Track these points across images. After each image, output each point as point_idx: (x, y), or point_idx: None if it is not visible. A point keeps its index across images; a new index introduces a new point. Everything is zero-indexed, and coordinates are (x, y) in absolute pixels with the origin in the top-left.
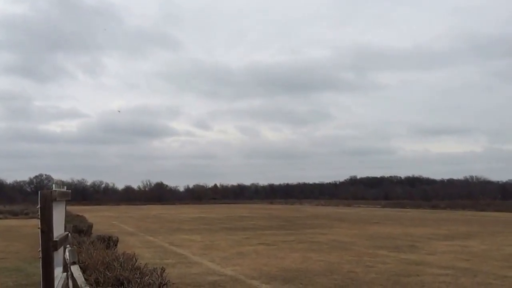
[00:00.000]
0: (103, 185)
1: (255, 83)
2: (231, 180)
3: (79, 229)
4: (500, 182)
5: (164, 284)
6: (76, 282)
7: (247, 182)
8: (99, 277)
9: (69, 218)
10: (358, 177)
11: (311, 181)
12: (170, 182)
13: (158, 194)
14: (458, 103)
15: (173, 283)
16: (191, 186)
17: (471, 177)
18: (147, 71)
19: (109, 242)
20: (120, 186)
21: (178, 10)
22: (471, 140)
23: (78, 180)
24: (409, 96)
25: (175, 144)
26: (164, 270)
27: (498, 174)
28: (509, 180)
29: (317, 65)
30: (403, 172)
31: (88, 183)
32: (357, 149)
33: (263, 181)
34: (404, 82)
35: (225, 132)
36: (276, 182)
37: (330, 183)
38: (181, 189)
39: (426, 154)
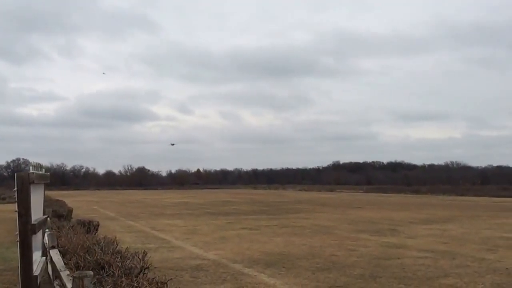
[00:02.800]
0: (83, 169)
1: (237, 68)
2: (214, 165)
3: (58, 213)
4: (479, 168)
5: (146, 268)
6: (56, 266)
7: (230, 167)
8: (79, 261)
9: (48, 203)
10: (341, 162)
11: (294, 166)
12: (152, 167)
13: (140, 179)
14: (437, 89)
15: (155, 267)
16: (173, 171)
17: (452, 162)
18: (126, 53)
19: (90, 226)
20: (100, 170)
21: None
22: (451, 126)
23: (58, 165)
24: (389, 82)
25: (157, 129)
26: (146, 254)
27: (478, 159)
28: (488, 165)
29: (298, 49)
30: (385, 157)
31: (68, 168)
32: (339, 135)
33: (246, 166)
34: (384, 68)
35: (207, 117)
36: (259, 167)
37: (313, 168)
38: (164, 174)
39: (407, 139)
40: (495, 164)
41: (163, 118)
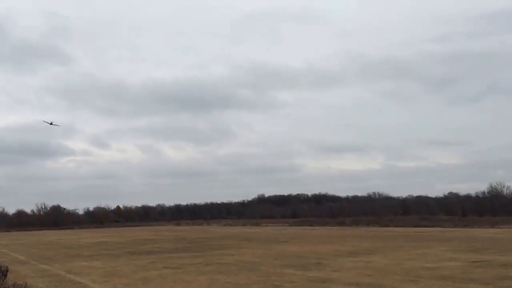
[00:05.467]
0: None
1: (154, 100)
2: (134, 202)
3: None
4: (400, 198)
5: None
6: None
7: (152, 203)
8: None
9: None
10: (265, 195)
11: (218, 201)
12: (68, 205)
13: (54, 218)
14: (353, 122)
15: None
16: (91, 208)
17: (374, 193)
18: (37, 86)
19: None
20: (11, 210)
21: (66, 22)
22: (369, 157)
23: None
24: (307, 114)
25: (72, 164)
26: None
27: (398, 190)
28: (408, 195)
29: (217, 82)
30: (309, 189)
31: None
32: (262, 167)
33: (168, 202)
34: (301, 101)
35: (125, 151)
36: (182, 202)
37: (238, 202)
38: (81, 212)
39: (328, 171)
40: (415, 194)
41: (78, 153)
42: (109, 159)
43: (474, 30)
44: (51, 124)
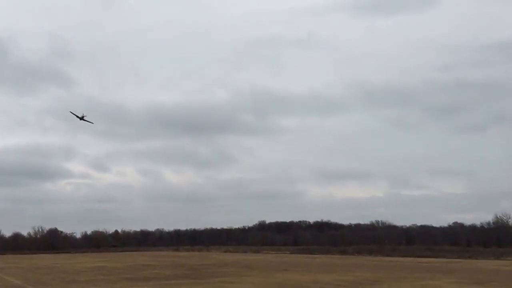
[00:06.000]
0: None
1: (155, 124)
2: (133, 226)
3: None
4: (404, 227)
5: None
6: None
7: (151, 227)
8: None
9: None
10: (267, 222)
11: (218, 226)
12: (65, 228)
13: (51, 242)
14: (356, 149)
15: None
16: (89, 232)
17: (377, 222)
18: (38, 108)
19: None
20: (7, 233)
21: (68, 45)
22: (373, 185)
23: None
24: (310, 140)
25: (70, 187)
26: None
27: (402, 219)
28: (412, 225)
29: (219, 107)
30: (310, 216)
31: None
32: (263, 193)
33: (168, 227)
34: (304, 126)
35: (125, 174)
36: (182, 227)
37: (238, 228)
38: (78, 235)
39: (331, 198)
40: (419, 224)
41: (77, 175)
42: (109, 182)
43: (478, 60)
44: (81, 119)
